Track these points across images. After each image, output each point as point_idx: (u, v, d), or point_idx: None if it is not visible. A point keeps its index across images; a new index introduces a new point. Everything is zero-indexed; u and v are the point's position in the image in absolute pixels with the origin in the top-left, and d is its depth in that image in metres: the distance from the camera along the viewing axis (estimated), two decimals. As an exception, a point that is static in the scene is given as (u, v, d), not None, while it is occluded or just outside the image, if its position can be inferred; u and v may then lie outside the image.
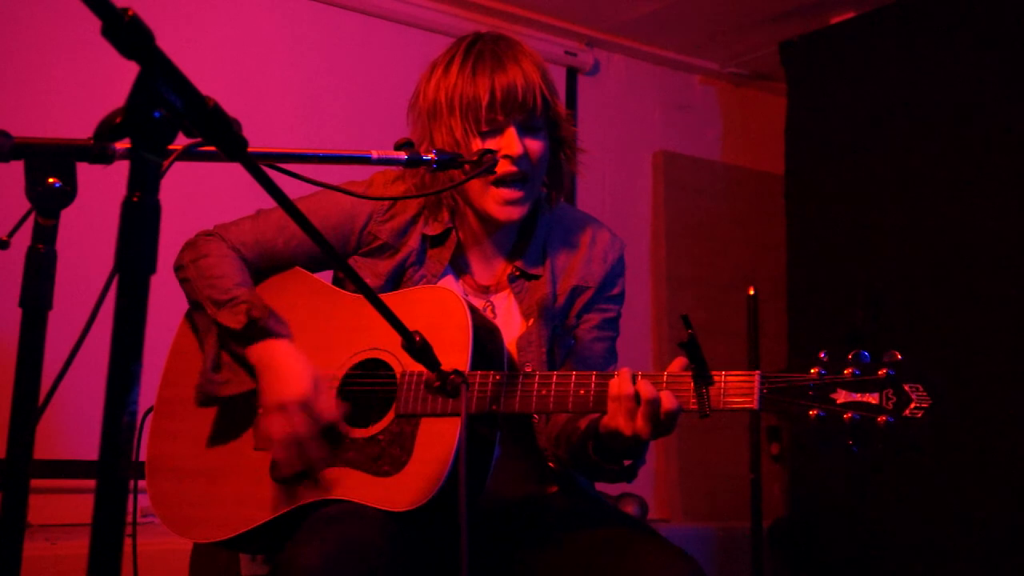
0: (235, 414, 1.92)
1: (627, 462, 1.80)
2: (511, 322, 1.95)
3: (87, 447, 3.10)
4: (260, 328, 1.82)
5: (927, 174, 3.79)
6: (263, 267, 1.99)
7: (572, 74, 4.49)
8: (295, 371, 1.78)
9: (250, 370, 1.85)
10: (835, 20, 4.25)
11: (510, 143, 1.86)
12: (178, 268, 1.97)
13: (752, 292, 3.65)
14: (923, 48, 3.85)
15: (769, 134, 4.51)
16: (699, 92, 4.93)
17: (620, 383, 1.66)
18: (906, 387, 1.57)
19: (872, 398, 1.57)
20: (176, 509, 1.91)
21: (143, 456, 1.97)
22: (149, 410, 2.00)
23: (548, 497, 1.95)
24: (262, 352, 1.82)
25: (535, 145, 1.89)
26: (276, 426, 1.77)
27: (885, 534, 3.76)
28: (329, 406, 1.79)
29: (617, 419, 1.66)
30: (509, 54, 1.88)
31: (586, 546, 1.78)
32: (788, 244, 4.27)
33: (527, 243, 2.00)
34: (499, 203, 1.89)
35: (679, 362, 1.68)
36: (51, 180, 1.16)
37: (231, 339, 1.85)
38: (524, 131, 1.88)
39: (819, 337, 4.04)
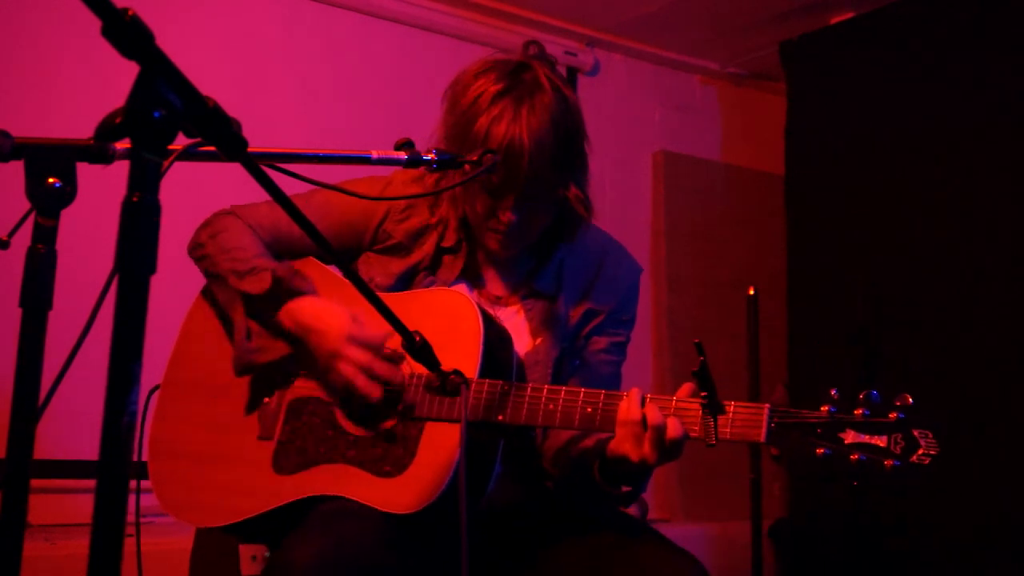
0: (242, 401, 1.92)
1: (626, 488, 1.79)
2: (518, 339, 1.91)
3: (87, 447, 3.09)
4: (286, 289, 1.83)
5: (927, 174, 3.79)
6: (277, 253, 1.98)
7: (572, 74, 4.48)
8: (331, 316, 1.79)
9: (284, 335, 1.84)
10: (835, 20, 4.25)
11: (504, 211, 1.83)
12: (195, 246, 1.96)
13: (752, 292, 3.65)
14: (923, 48, 3.85)
15: (769, 134, 4.50)
16: (699, 92, 4.93)
17: (629, 406, 1.66)
18: (915, 432, 1.56)
19: (880, 440, 1.57)
20: (176, 491, 1.91)
21: (147, 437, 1.95)
22: (154, 388, 1.99)
23: (549, 499, 1.94)
24: (293, 313, 1.83)
25: (533, 213, 1.86)
26: (341, 371, 1.77)
27: (885, 534, 3.75)
28: (375, 328, 1.77)
29: (624, 444, 1.67)
30: (526, 109, 1.79)
31: (589, 548, 1.78)
32: (788, 244, 4.27)
33: (544, 264, 1.97)
34: (492, 240, 1.89)
35: (687, 387, 1.68)
36: (51, 180, 1.16)
37: (258, 305, 1.84)
38: (524, 199, 1.83)
39: (819, 337, 4.05)
